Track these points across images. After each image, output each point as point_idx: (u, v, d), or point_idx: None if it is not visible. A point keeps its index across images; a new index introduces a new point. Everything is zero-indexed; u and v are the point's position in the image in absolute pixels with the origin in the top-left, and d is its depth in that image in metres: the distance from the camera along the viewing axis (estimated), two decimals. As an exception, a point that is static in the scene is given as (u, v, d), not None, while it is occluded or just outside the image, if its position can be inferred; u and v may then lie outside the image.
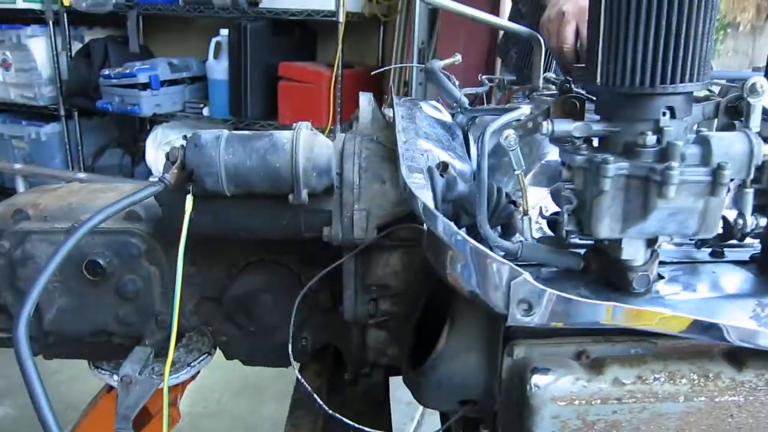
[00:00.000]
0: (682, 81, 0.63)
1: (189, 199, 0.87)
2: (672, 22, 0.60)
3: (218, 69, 3.38)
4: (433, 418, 2.35)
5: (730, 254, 0.82)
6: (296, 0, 3.17)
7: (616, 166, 0.62)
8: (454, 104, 1.15)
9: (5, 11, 3.82)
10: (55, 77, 3.87)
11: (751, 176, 0.62)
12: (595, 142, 0.71)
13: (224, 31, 3.31)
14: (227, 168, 0.84)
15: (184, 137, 0.86)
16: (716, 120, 0.73)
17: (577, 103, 0.76)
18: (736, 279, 0.76)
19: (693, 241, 0.82)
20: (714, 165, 0.60)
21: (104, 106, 3.52)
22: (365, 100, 1.14)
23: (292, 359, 0.92)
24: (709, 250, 0.83)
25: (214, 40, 3.38)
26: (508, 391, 0.79)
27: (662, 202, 0.61)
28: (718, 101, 0.71)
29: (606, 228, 0.65)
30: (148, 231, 1.09)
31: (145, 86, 3.38)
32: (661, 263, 0.79)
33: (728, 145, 0.61)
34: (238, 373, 2.53)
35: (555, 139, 0.69)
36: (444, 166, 0.88)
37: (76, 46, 3.86)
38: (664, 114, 0.64)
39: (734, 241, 0.76)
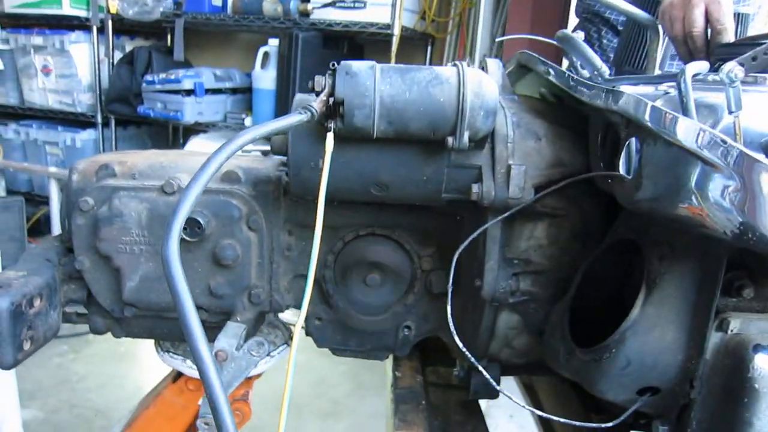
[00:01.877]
0: None
1: (330, 138, 0.75)
2: None
3: (265, 78, 3.33)
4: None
5: None
6: (348, 12, 3.13)
7: None
8: (594, 73, 1.04)
9: (50, 17, 3.81)
10: (94, 84, 3.83)
11: None
12: None
13: (273, 41, 3.26)
14: (383, 100, 0.73)
15: (333, 64, 0.75)
16: None
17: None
18: None
19: None
20: None
21: (146, 112, 3.46)
22: (494, 64, 1.03)
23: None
24: None
25: (262, 50, 3.34)
26: (715, 373, 0.66)
27: None
28: None
29: None
30: (249, 193, 0.98)
31: (188, 93, 3.32)
32: None
33: None
34: (275, 389, 2.38)
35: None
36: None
37: (117, 56, 3.84)
38: None
39: None
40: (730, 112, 0.65)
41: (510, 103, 0.91)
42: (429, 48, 3.57)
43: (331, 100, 0.74)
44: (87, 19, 3.78)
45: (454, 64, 0.77)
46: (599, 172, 0.75)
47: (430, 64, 3.60)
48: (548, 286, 0.89)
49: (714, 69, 1.16)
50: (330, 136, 0.76)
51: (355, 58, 3.49)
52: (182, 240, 0.94)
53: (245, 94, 3.60)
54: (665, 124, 0.55)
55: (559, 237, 0.88)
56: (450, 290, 0.85)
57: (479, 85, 0.75)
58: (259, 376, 1.28)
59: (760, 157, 0.49)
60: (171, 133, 4.20)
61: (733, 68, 0.64)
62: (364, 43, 3.60)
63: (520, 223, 0.87)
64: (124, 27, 3.87)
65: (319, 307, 1.07)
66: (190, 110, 3.32)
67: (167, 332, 1.08)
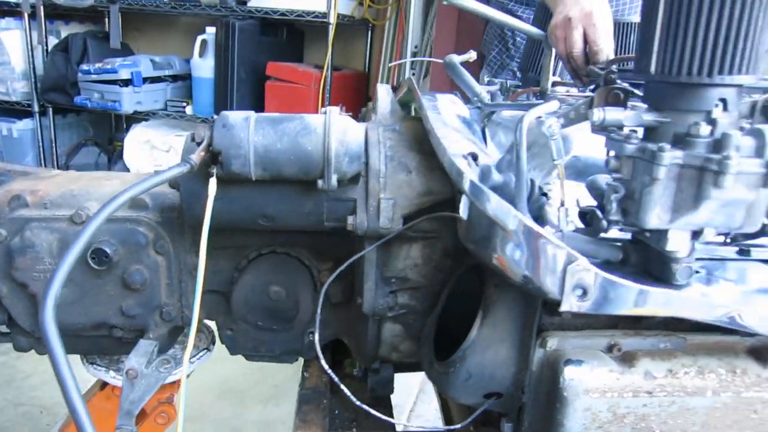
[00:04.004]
0: (738, 72, 0.63)
1: (213, 183, 0.84)
2: (733, 13, 0.60)
3: (204, 67, 3.33)
4: (424, 407, 2.33)
5: (756, 253, 0.83)
6: (286, 0, 3.15)
7: (671, 155, 0.62)
8: (474, 98, 1.15)
9: (-22, 2, 3.70)
10: (29, 72, 3.75)
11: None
12: (640, 133, 0.71)
13: (211, 29, 3.26)
14: (257, 150, 0.82)
15: (211, 118, 0.83)
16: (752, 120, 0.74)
17: (622, 94, 0.76)
18: (765, 275, 0.77)
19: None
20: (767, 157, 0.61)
21: (83, 102, 3.42)
22: (384, 90, 1.12)
23: (320, 353, 0.89)
24: (736, 248, 0.84)
25: (199, 38, 3.33)
26: (539, 383, 0.79)
27: (717, 192, 0.61)
28: (755, 101, 0.72)
29: (655, 218, 0.65)
30: (156, 219, 1.06)
31: (126, 83, 3.30)
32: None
33: (779, 138, 0.62)
34: (218, 377, 2.48)
35: (602, 128, 0.69)
36: (474, 156, 0.87)
37: (52, 41, 3.76)
38: (716, 105, 0.64)
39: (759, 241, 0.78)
40: (553, 160, 0.76)
41: (390, 134, 1.01)
42: (369, 33, 3.61)
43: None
44: (17, 5, 3.67)
45: (324, 112, 0.86)
46: (444, 213, 0.86)
47: (371, 49, 3.66)
48: (424, 300, 1.00)
49: (593, 89, 1.27)
50: (213, 180, 0.84)
51: (295, 44, 3.52)
52: (92, 268, 1.02)
53: (186, 81, 3.59)
54: (476, 196, 0.65)
55: (433, 256, 0.99)
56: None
57: (344, 133, 0.84)
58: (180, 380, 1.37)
59: (540, 229, 0.60)
60: (113, 121, 4.16)
61: (551, 124, 0.75)
62: (304, 28, 3.62)
63: (397, 246, 0.98)
64: (58, 12, 3.79)
65: (229, 319, 1.17)
66: (128, 100, 3.31)
67: (87, 348, 1.16)
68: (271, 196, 0.91)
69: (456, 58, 1.23)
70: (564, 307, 0.60)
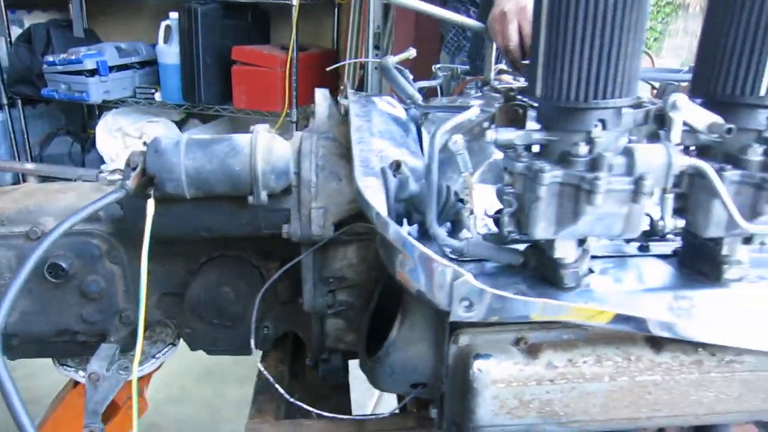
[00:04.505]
0: (612, 97, 0.69)
1: (150, 203, 0.90)
2: (604, 44, 0.66)
3: (169, 53, 3.32)
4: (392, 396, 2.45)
5: (656, 248, 0.91)
6: (248, -17, 3.14)
7: (550, 175, 0.69)
8: (408, 100, 1.20)
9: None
10: (-6, 64, 3.72)
11: (670, 184, 0.70)
12: (537, 148, 0.77)
13: (174, 15, 3.24)
14: (188, 172, 0.88)
15: (144, 143, 0.88)
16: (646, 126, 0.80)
17: (520, 110, 0.83)
18: (659, 272, 0.85)
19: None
20: (637, 175, 0.68)
21: (50, 94, 3.42)
22: (321, 95, 1.18)
23: (253, 347, 0.97)
24: (638, 244, 0.91)
25: (163, 24, 3.32)
26: (454, 375, 0.86)
27: (590, 208, 0.68)
28: (648, 110, 0.78)
29: (541, 230, 0.72)
30: (109, 231, 1.12)
31: (92, 72, 3.30)
32: (594, 257, 0.87)
33: (650, 157, 0.69)
34: (200, 360, 2.57)
35: (499, 145, 0.75)
36: (397, 165, 0.93)
37: (15, 32, 3.72)
38: (596, 126, 0.71)
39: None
40: (461, 173, 0.83)
41: (324, 142, 1.06)
42: (336, 11, 3.60)
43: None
44: (-24, -5, 3.62)
45: (251, 131, 0.92)
46: (366, 224, 0.93)
47: (338, 27, 3.65)
48: (362, 297, 1.08)
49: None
50: (150, 201, 0.90)
51: (261, 26, 3.51)
52: (50, 281, 1.09)
53: (154, 66, 3.59)
54: (379, 225, 0.72)
55: (367, 256, 1.06)
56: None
57: (269, 152, 0.90)
58: (152, 373, 1.45)
59: (430, 252, 0.67)
60: (85, 109, 4.15)
61: (456, 140, 0.81)
62: (269, 9, 3.61)
63: (333, 248, 1.05)
64: (18, 1, 3.73)
65: (187, 318, 1.24)
66: (96, 90, 3.31)
67: (55, 352, 1.23)
68: (209, 211, 0.97)
69: (393, 59, 1.27)
70: (453, 318, 0.68)
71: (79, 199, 1.20)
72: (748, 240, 0.78)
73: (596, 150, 0.69)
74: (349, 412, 1.31)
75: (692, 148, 0.79)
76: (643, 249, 0.90)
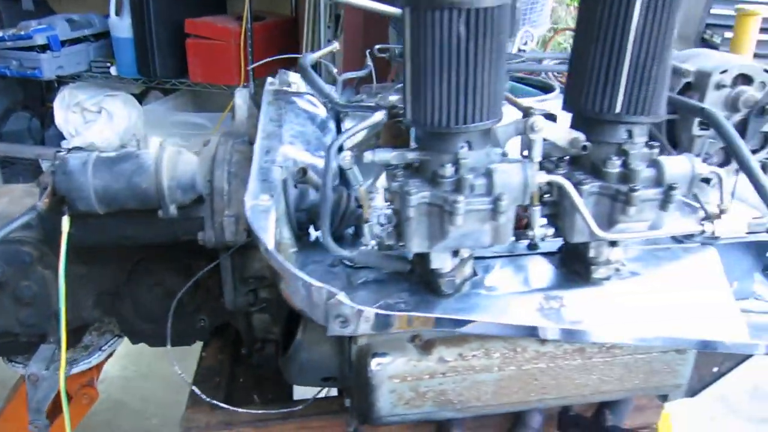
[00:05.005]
0: (473, 122, 0.74)
1: (65, 220, 0.94)
2: (460, 75, 0.70)
3: (122, 26, 3.26)
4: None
5: (544, 245, 0.97)
6: (198, -49, 3.05)
7: (417, 196, 0.74)
8: (324, 100, 1.23)
9: None
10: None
11: (527, 201, 0.76)
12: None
13: (124, -15, 3.17)
14: (97, 191, 0.92)
15: (52, 164, 0.92)
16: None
17: (404, 127, 0.87)
18: (539, 272, 0.91)
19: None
20: (495, 195, 0.73)
21: (2, 71, 3.35)
22: (240, 97, 1.21)
23: (169, 344, 1.03)
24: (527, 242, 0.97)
25: (113, -5, 3.24)
26: (356, 371, 0.94)
27: (453, 227, 0.73)
28: (525, 120, 0.83)
29: (416, 244, 0.78)
30: (39, 238, 1.15)
31: (43, 48, 3.23)
32: (481, 258, 0.93)
33: (508, 177, 0.74)
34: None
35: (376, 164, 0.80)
36: (303, 172, 0.98)
37: (-38, 4, 3.61)
38: (462, 147, 0.75)
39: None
40: (353, 187, 0.88)
41: (240, 146, 1.10)
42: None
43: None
44: None
45: (160, 148, 0.95)
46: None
47: (296, 7, 3.58)
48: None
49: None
50: (65, 219, 0.94)
51: (217, -2, 3.40)
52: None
53: (109, 39, 3.51)
54: (266, 253, 0.77)
55: (286, 256, 1.11)
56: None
57: (174, 168, 0.94)
58: (102, 364, 1.52)
59: (304, 276, 0.73)
60: (43, 84, 4.06)
61: (344, 156, 0.86)
62: (223, -23, 3.53)
63: (252, 250, 1.10)
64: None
65: (124, 315, 1.30)
66: (48, 66, 3.25)
67: (2, 351, 1.29)
68: (126, 222, 1.02)
69: (313, 57, 1.29)
70: (330, 333, 0.74)
71: (10, 204, 1.23)
72: (614, 243, 0.84)
73: (462, 171, 0.74)
74: (290, 395, 1.40)
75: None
76: (532, 247, 0.96)
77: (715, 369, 1.28)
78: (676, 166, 0.77)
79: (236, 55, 3.09)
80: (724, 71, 1.04)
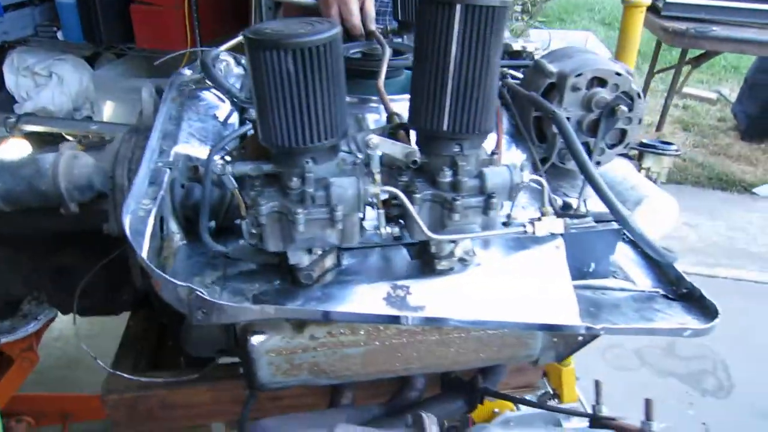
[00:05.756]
0: (314, 142, 0.84)
1: (-25, 218, 1.04)
2: (296, 103, 0.80)
3: (65, -10, 3.22)
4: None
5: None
6: None
7: (268, 206, 0.86)
8: (227, 96, 1.32)
9: None
10: None
11: (362, 210, 0.88)
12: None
13: (65, -53, 3.12)
14: (2, 195, 1.02)
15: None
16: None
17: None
18: (395, 262, 1.04)
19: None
20: (332, 205, 0.85)
21: (-55, 35, 3.31)
22: (146, 91, 1.29)
23: (75, 316, 1.15)
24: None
25: (54, -43, 3.19)
26: (240, 345, 1.07)
27: (297, 233, 0.86)
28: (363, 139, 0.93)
29: (272, 245, 0.90)
30: None
31: (-14, 12, 3.19)
32: (347, 249, 1.05)
33: (343, 190, 0.86)
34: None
35: (235, 177, 0.90)
36: (194, 171, 1.08)
37: None
38: (307, 162, 0.86)
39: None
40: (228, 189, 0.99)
41: (142, 143, 1.19)
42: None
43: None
44: None
45: (59, 152, 1.05)
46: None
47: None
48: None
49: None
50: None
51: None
52: None
53: (53, 1, 3.46)
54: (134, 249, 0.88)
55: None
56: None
57: (70, 172, 1.04)
58: (42, 331, 1.65)
59: (169, 277, 0.84)
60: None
61: (219, 163, 0.96)
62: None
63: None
64: None
65: (52, 290, 1.41)
66: (-7, 31, 3.22)
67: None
68: (37, 215, 1.12)
69: (217, 51, 1.37)
70: (195, 323, 0.87)
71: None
72: (452, 241, 0.97)
73: (307, 184, 0.86)
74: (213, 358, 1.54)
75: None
76: (397, 239, 1.09)
77: (580, 338, 1.44)
78: (497, 176, 0.90)
79: (181, 21, 3.09)
80: (579, 74, 1.16)
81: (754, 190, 4.42)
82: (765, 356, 2.75)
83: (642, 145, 1.45)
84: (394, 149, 0.89)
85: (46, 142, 1.98)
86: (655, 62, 4.05)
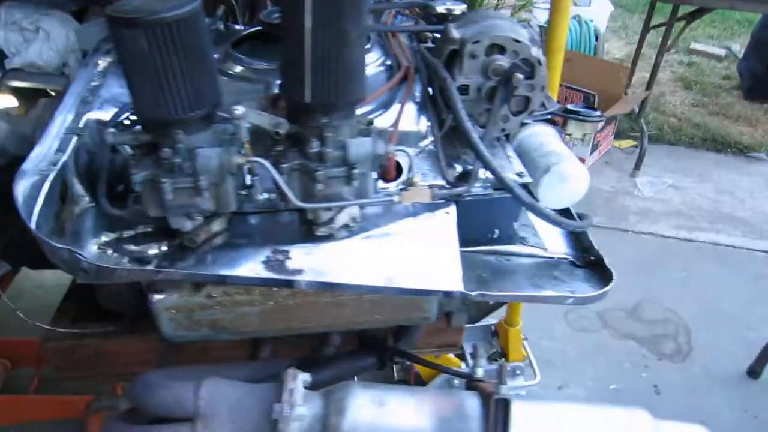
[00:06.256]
0: (179, 114, 0.88)
1: None
2: (154, 78, 0.84)
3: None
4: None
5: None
6: None
7: (140, 175, 0.92)
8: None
9: None
10: None
11: (226, 180, 0.93)
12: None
13: None
14: None
15: None
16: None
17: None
18: (285, 227, 1.09)
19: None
20: (197, 175, 0.90)
21: (-67, -12, 3.35)
22: (73, 58, 1.34)
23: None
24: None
25: None
26: (148, 302, 1.15)
27: (167, 201, 0.91)
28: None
29: (152, 211, 0.96)
30: None
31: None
32: (241, 213, 1.10)
33: (208, 160, 0.91)
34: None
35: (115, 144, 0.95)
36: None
37: None
38: (178, 134, 0.91)
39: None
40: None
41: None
42: None
43: None
44: None
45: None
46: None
47: None
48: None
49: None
50: None
51: None
52: None
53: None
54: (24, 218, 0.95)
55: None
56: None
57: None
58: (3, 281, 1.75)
59: (50, 241, 0.91)
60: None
61: (108, 132, 1.02)
62: None
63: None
64: None
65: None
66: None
67: None
68: None
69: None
70: (79, 281, 0.94)
71: None
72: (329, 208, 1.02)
73: (177, 153, 0.91)
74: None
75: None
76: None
77: (491, 302, 1.50)
78: (359, 147, 0.94)
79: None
80: (476, 42, 1.17)
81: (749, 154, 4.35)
82: (728, 322, 2.77)
83: (566, 111, 1.46)
84: (261, 119, 0.94)
85: (33, 97, 2.05)
86: (650, 18, 3.94)
